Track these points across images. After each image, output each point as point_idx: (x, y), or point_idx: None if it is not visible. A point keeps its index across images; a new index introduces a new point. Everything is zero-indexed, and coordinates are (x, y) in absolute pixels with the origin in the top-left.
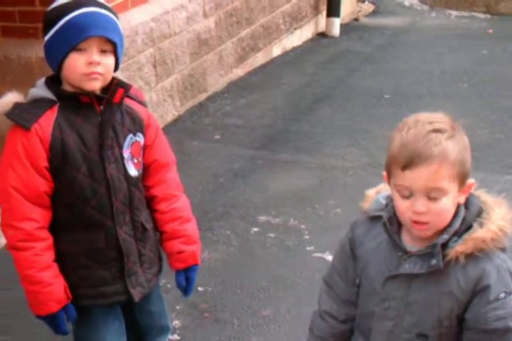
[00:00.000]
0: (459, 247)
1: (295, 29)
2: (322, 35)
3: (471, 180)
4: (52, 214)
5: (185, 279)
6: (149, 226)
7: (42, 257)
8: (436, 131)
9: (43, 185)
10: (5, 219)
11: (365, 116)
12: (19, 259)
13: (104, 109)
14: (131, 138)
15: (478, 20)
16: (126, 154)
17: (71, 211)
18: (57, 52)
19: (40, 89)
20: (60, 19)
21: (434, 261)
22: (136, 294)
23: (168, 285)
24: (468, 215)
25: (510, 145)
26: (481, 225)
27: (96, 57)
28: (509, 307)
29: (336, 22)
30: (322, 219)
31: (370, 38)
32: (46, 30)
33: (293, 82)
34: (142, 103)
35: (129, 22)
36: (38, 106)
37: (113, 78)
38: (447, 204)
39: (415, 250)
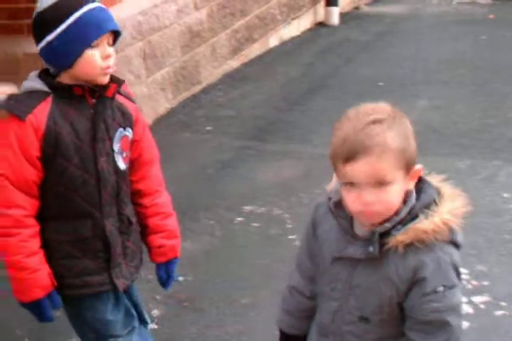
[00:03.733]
0: (400, 236)
1: (292, 19)
2: (321, 24)
3: (418, 166)
4: (40, 203)
5: (166, 272)
6: (134, 219)
7: (28, 243)
8: (374, 122)
9: (33, 175)
10: None
11: (359, 104)
12: (6, 245)
13: (97, 102)
14: (121, 132)
15: (479, 5)
16: (116, 148)
17: (60, 200)
18: (71, 50)
19: (34, 81)
20: (68, 16)
21: (371, 249)
22: (121, 284)
23: (150, 276)
24: (418, 205)
25: (500, 131)
26: (427, 216)
27: (110, 50)
28: (447, 301)
29: (335, 11)
30: (306, 208)
31: (369, 27)
32: (48, 29)
33: (288, 73)
34: (131, 99)
35: (117, 16)
36: (33, 97)
37: None
38: (395, 192)
39: (361, 235)
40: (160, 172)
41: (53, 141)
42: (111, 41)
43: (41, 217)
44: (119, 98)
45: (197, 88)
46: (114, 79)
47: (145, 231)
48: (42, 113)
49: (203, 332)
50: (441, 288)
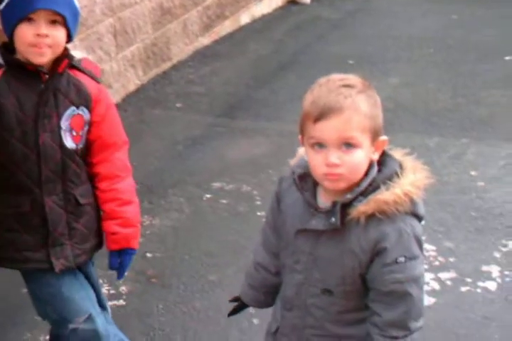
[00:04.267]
0: (361, 207)
1: None
2: (293, 2)
3: (383, 137)
4: None
5: (117, 261)
6: (85, 201)
7: None
8: (346, 85)
9: None
10: None
11: None
12: None
13: (49, 78)
14: (74, 110)
15: None
16: (64, 125)
17: (3, 173)
18: (9, 22)
19: None
20: None
21: (333, 219)
22: (58, 265)
23: None
24: (379, 177)
25: (470, 109)
26: (388, 188)
27: (43, 29)
28: (408, 272)
29: None
30: (275, 185)
31: (340, 5)
32: None
33: (259, 50)
34: (95, 79)
35: None
36: None
37: (65, 49)
38: (360, 157)
39: (324, 207)
40: (126, 157)
41: None
42: (56, 19)
43: None
44: (81, 77)
45: (167, 65)
46: (67, 56)
47: (102, 216)
48: None
49: (170, 309)
50: (402, 259)
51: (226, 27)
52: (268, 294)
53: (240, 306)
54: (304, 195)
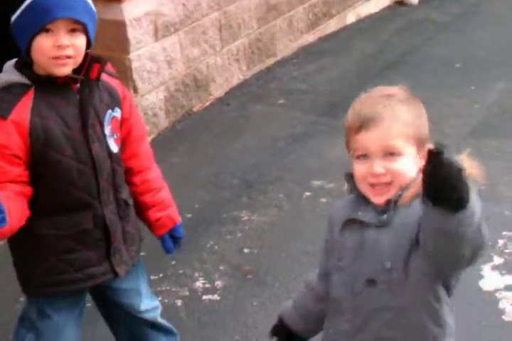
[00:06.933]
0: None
1: None
2: (400, 3)
3: (429, 145)
4: (35, 198)
5: (173, 239)
6: (130, 201)
7: None
8: (388, 95)
9: (15, 175)
10: None
11: (434, 84)
12: None
13: (82, 87)
14: (110, 113)
15: None
16: (107, 131)
17: (57, 194)
18: (24, 34)
19: (12, 74)
20: None
21: (385, 217)
22: (122, 272)
23: (216, 247)
24: None
25: None
26: None
27: (64, 40)
28: None
29: None
30: None
31: (448, 7)
32: (14, 9)
33: (365, 49)
34: (114, 75)
35: None
36: (13, 92)
37: (86, 53)
38: (406, 165)
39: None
40: (149, 147)
41: (42, 136)
42: (76, 27)
43: (37, 212)
44: (103, 76)
45: (271, 60)
46: (96, 59)
47: (139, 208)
48: (24, 109)
49: (265, 306)
50: None
51: (331, 25)
52: (309, 320)
53: (279, 327)
54: (357, 191)
